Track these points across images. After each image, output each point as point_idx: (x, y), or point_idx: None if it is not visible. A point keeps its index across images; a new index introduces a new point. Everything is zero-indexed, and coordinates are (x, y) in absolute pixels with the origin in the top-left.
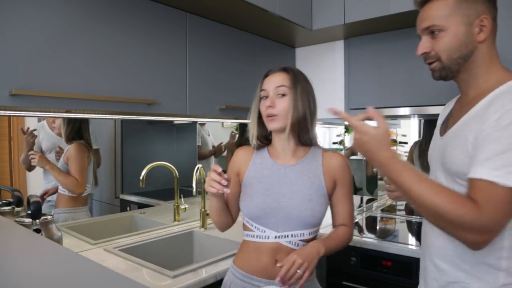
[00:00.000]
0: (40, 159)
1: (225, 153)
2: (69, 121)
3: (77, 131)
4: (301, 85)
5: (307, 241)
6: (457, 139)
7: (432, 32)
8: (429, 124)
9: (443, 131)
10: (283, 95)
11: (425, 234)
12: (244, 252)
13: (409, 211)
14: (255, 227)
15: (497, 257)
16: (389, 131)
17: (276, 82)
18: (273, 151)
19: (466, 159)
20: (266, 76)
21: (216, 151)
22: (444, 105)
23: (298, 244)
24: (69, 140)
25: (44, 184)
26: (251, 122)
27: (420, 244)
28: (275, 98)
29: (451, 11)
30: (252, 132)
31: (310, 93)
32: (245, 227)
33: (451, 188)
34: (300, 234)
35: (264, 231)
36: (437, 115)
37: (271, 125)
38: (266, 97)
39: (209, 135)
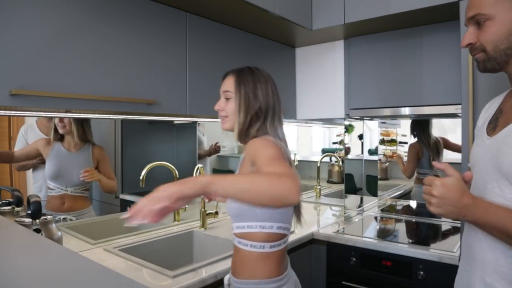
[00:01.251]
0: (96, 174)
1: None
2: (79, 121)
3: (85, 132)
4: (247, 87)
5: (238, 236)
6: None
7: (478, 22)
8: (418, 124)
9: (491, 131)
10: (228, 99)
11: (470, 247)
12: None
13: (409, 211)
14: None
15: None
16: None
17: (224, 86)
18: None
19: None
20: (223, 78)
21: (211, 152)
22: (444, 105)
23: (234, 238)
24: (83, 141)
25: (33, 184)
26: None
27: (414, 244)
28: (222, 101)
29: None
30: None
31: (261, 91)
32: None
33: (507, 193)
34: (232, 227)
35: None
36: (435, 115)
37: (222, 126)
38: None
39: (203, 135)
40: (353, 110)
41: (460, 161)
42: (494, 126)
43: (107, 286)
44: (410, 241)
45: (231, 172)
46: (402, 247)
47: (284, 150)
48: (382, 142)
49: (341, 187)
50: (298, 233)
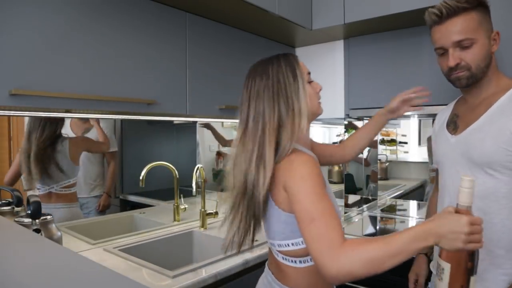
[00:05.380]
0: None
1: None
2: None
3: None
4: None
5: (283, 253)
6: (485, 133)
7: (463, 45)
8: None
9: (453, 131)
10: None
11: None
12: None
13: (409, 211)
14: None
15: None
16: None
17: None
18: None
19: (501, 149)
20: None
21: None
22: (444, 105)
23: (277, 253)
24: None
25: None
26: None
27: None
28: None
29: (478, 25)
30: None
31: None
32: None
33: (479, 178)
34: (271, 244)
35: None
36: (435, 115)
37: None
38: None
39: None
40: (353, 110)
41: None
42: (455, 127)
43: (107, 286)
44: None
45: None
46: None
47: None
48: (382, 142)
49: (341, 187)
50: None
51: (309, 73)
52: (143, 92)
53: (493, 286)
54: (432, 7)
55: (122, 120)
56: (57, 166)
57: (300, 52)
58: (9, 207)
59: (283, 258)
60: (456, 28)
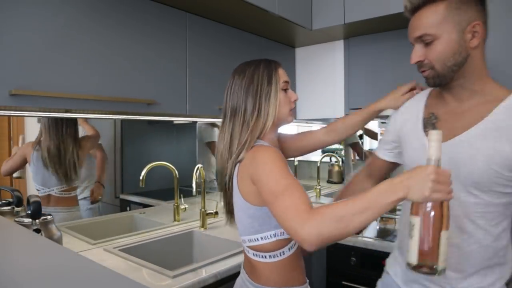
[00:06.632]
0: None
1: None
2: None
3: None
4: None
5: (253, 248)
6: (476, 150)
7: (424, 41)
8: None
9: None
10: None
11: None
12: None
13: None
14: None
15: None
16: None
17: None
18: None
19: (492, 171)
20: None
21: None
22: None
23: (248, 250)
24: None
25: None
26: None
27: None
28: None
29: (442, 19)
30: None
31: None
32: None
33: (461, 197)
34: (243, 240)
35: None
36: None
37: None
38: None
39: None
40: (353, 110)
41: None
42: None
43: (107, 286)
44: None
45: None
46: None
47: None
48: None
49: (341, 187)
50: None
51: (287, 82)
52: (143, 92)
53: None
54: None
55: (122, 120)
56: (71, 167)
57: (300, 52)
58: (9, 207)
59: (253, 254)
60: (417, 23)
